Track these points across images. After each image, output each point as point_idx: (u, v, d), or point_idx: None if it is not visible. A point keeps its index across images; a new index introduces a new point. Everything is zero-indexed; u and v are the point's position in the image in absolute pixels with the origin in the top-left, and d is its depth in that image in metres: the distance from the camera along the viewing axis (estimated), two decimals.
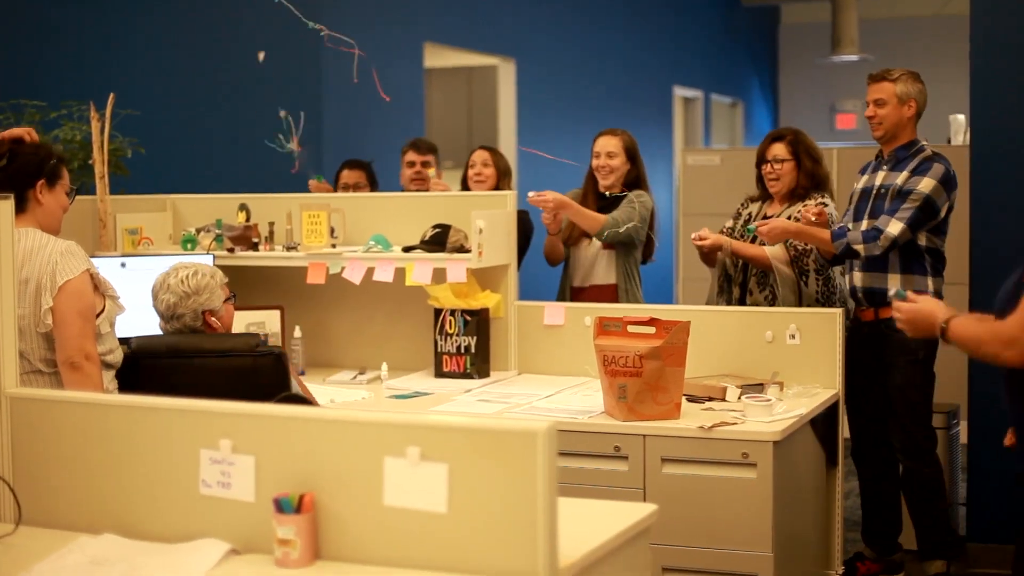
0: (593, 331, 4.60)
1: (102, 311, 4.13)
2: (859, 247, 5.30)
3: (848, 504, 6.25)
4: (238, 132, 8.08)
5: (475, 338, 5.36)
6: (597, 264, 6.02)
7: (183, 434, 2.88)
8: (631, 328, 4.53)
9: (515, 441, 2.49)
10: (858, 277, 5.42)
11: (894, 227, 5.27)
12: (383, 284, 5.39)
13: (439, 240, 5.33)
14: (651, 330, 4.49)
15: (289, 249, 5.57)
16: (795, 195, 5.66)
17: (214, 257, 5.54)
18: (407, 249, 5.41)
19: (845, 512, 5.42)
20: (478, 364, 5.36)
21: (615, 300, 5.90)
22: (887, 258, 5.32)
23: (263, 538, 2.74)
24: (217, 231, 5.69)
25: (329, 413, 2.93)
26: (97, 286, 4.14)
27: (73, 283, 4.04)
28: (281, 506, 2.68)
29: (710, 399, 4.74)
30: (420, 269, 5.31)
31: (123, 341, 4.28)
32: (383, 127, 9.06)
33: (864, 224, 5.42)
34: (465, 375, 5.36)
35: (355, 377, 5.48)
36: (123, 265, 5.26)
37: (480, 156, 6.60)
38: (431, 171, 6.90)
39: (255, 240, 5.65)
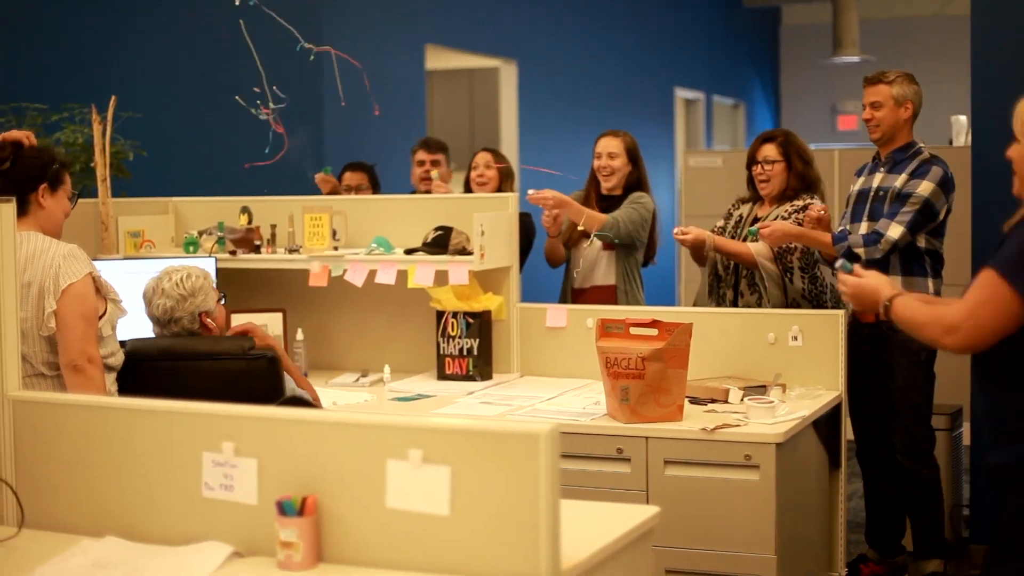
0: (595, 333, 4.60)
1: (103, 314, 4.14)
2: (860, 250, 5.30)
3: (851, 506, 6.26)
4: (239, 135, 8.09)
5: (477, 340, 5.36)
6: (597, 265, 6.02)
7: (185, 437, 2.88)
8: (633, 330, 4.53)
9: (517, 443, 2.49)
10: None
11: (894, 231, 5.28)
12: (385, 286, 5.39)
13: (441, 242, 5.33)
14: (653, 332, 4.49)
15: (291, 251, 5.57)
16: (785, 197, 5.65)
17: (216, 260, 5.54)
18: (409, 251, 5.40)
19: (848, 514, 5.42)
20: (480, 366, 5.36)
21: (615, 301, 5.89)
22: (887, 260, 5.32)
23: (266, 541, 2.74)
24: (219, 234, 5.69)
25: (331, 416, 2.93)
26: (99, 289, 4.14)
27: (76, 287, 4.04)
28: (284, 509, 2.68)
29: (713, 401, 4.74)
30: (422, 271, 5.31)
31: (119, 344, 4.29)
32: (385, 130, 9.06)
33: (863, 227, 5.42)
34: (467, 377, 5.36)
35: (357, 380, 5.48)
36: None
37: (483, 158, 6.60)
38: (434, 173, 6.90)
39: (257, 243, 5.65)
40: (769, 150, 5.66)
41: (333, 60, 5.85)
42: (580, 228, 5.86)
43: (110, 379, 4.15)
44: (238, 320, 5.51)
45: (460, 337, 5.37)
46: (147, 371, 4.24)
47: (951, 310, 3.30)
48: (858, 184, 5.62)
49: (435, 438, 2.58)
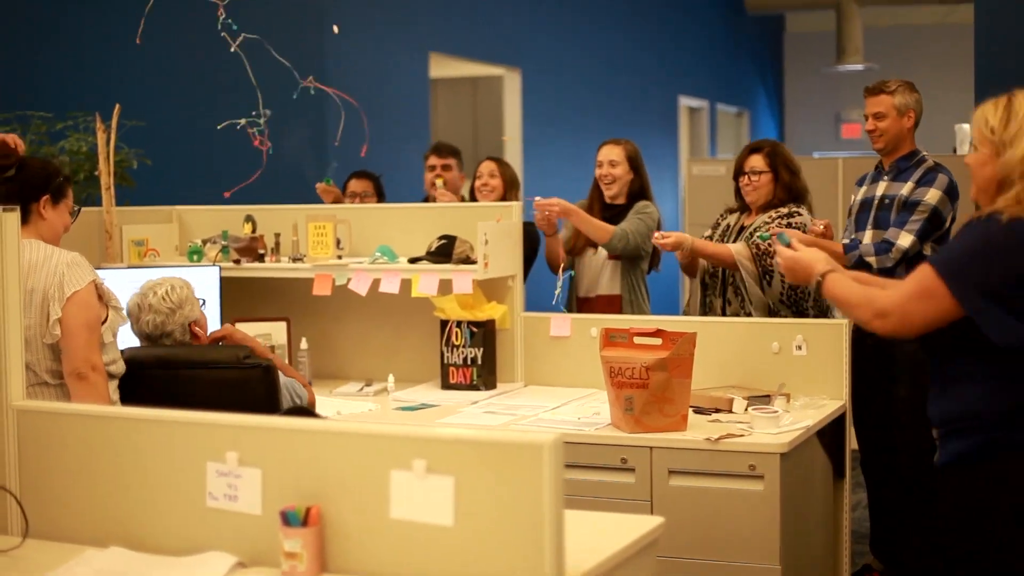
0: (599, 343, 4.60)
1: (105, 320, 4.14)
2: (871, 259, 5.31)
3: (856, 516, 6.25)
4: (244, 144, 8.09)
5: (481, 350, 5.35)
6: (602, 274, 6.01)
7: (189, 446, 2.88)
8: (637, 340, 4.52)
9: (521, 454, 2.48)
10: None
11: (904, 239, 5.29)
12: (389, 295, 5.39)
13: (445, 251, 5.33)
14: (657, 341, 4.49)
15: (295, 260, 5.57)
16: (771, 207, 5.62)
17: (220, 268, 5.55)
18: (413, 260, 5.40)
19: (853, 524, 5.41)
20: (484, 376, 5.36)
21: (620, 311, 5.89)
22: (893, 269, 5.32)
23: (270, 551, 2.73)
24: (223, 242, 5.69)
25: (335, 425, 2.93)
26: (101, 296, 4.15)
27: (80, 294, 4.05)
28: (288, 519, 2.68)
29: (717, 411, 4.74)
30: (426, 280, 5.31)
31: None
32: (389, 139, 9.07)
33: (868, 235, 5.43)
34: (471, 387, 5.35)
35: (361, 389, 5.48)
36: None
37: (487, 167, 6.60)
38: (439, 181, 6.91)
39: (261, 251, 5.65)
40: (756, 161, 5.65)
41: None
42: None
43: (112, 387, 4.16)
44: (241, 329, 5.53)
45: (464, 346, 5.37)
46: (143, 380, 4.25)
47: (884, 295, 3.35)
48: (860, 193, 5.62)
49: (439, 448, 2.57)
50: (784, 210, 5.56)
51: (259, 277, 5.68)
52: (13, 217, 3.12)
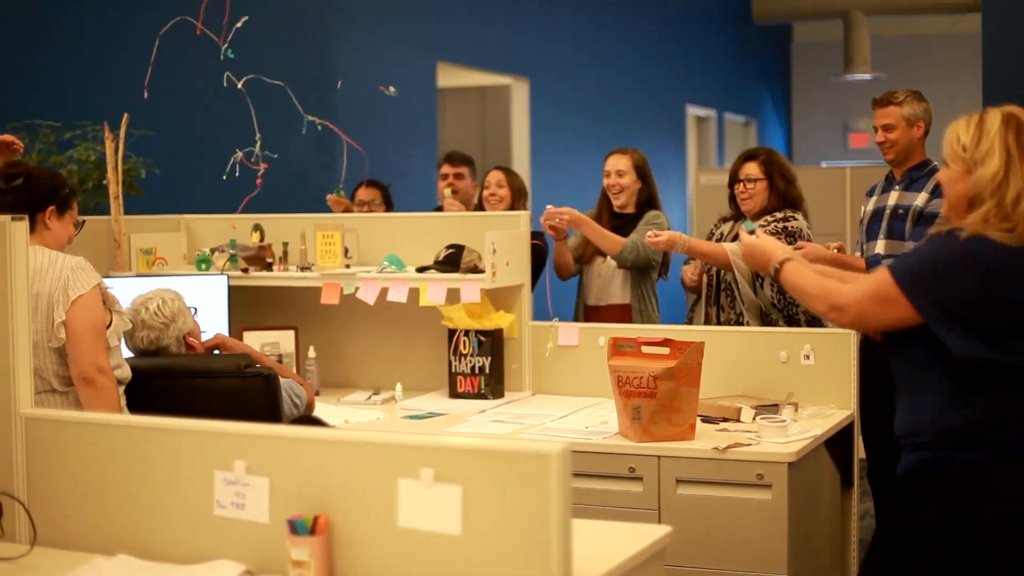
0: (607, 351, 4.60)
1: (110, 325, 4.15)
2: None
3: (864, 525, 6.24)
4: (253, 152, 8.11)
5: (489, 358, 5.35)
6: (612, 283, 6.02)
7: (197, 455, 2.88)
8: (645, 349, 4.52)
9: (529, 462, 2.48)
10: None
11: None
12: (397, 304, 5.39)
13: (453, 260, 5.33)
14: (665, 351, 4.49)
15: (303, 269, 5.57)
16: (766, 215, 5.61)
17: (228, 277, 5.55)
18: (421, 269, 5.41)
19: (861, 533, 5.40)
20: (492, 384, 5.36)
21: (630, 320, 5.89)
22: None
23: (277, 559, 2.73)
24: (231, 251, 5.70)
25: (343, 434, 2.93)
26: (105, 300, 4.15)
27: (85, 298, 4.05)
28: (295, 527, 2.68)
29: (725, 420, 4.73)
30: (434, 289, 5.31)
31: None
32: (397, 148, 9.09)
33: (881, 245, 5.42)
34: (479, 395, 5.35)
35: (369, 397, 5.48)
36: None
37: (495, 176, 6.61)
38: (447, 190, 6.92)
39: (269, 260, 5.66)
40: (751, 168, 5.64)
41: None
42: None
43: (119, 392, 4.16)
44: (254, 340, 5.54)
45: (472, 355, 5.37)
46: (144, 390, 4.24)
47: (841, 290, 3.39)
48: (871, 204, 5.62)
49: (447, 457, 2.57)
50: (780, 215, 5.54)
51: (267, 286, 5.69)
52: (22, 226, 3.13)
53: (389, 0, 9.37)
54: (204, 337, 4.65)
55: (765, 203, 5.61)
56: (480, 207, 6.68)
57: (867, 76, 15.37)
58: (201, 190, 8.26)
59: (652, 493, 4.43)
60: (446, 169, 7.14)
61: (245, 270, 5.63)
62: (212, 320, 5.28)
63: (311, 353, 5.64)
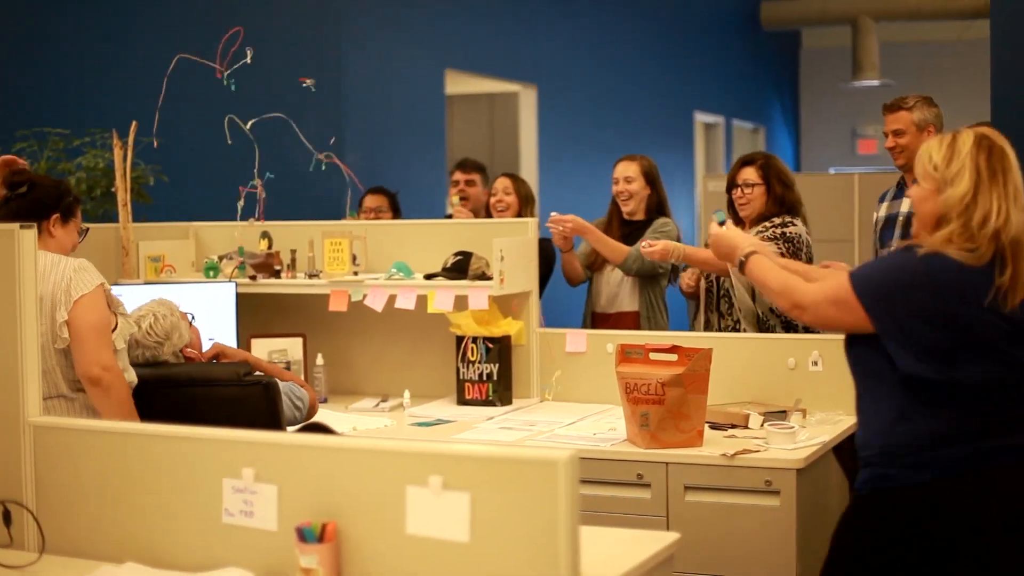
0: (615, 358, 4.59)
1: (115, 328, 4.14)
2: None
3: None
4: (261, 160, 8.13)
5: (497, 365, 5.35)
6: (621, 291, 6.02)
7: (206, 463, 2.88)
8: (653, 355, 4.52)
9: (537, 470, 2.48)
10: None
11: None
12: (405, 311, 5.39)
13: (461, 267, 5.33)
14: (673, 357, 4.48)
15: (311, 276, 5.58)
16: (764, 220, 5.59)
17: (236, 284, 5.56)
18: (429, 276, 5.41)
19: None
20: (500, 391, 5.36)
21: (638, 328, 5.89)
22: None
23: (286, 567, 2.73)
24: (239, 259, 5.70)
25: (351, 442, 2.93)
26: (109, 303, 4.15)
27: (87, 297, 4.04)
28: (304, 535, 2.68)
29: (733, 426, 4.73)
30: (442, 296, 5.31)
31: None
32: (405, 155, 9.09)
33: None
34: (487, 402, 5.35)
35: (377, 404, 5.48)
36: None
37: (502, 183, 6.62)
38: (455, 198, 6.92)
39: (277, 268, 5.66)
40: (749, 173, 5.62)
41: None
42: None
43: None
44: (262, 348, 5.54)
45: (480, 362, 5.37)
46: (144, 398, 4.23)
47: (803, 289, 3.44)
48: (883, 209, 5.61)
49: (455, 464, 2.58)
50: (778, 220, 5.52)
51: (275, 293, 5.69)
52: (30, 234, 3.14)
53: (397, 8, 9.37)
54: (205, 343, 4.64)
55: (763, 208, 5.58)
56: (487, 214, 6.68)
57: (876, 82, 15.37)
58: (210, 198, 8.28)
59: (660, 500, 4.43)
60: (458, 176, 7.14)
61: (253, 277, 5.64)
62: (220, 328, 5.29)
63: (319, 360, 5.65)
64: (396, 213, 7.20)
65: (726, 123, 15.61)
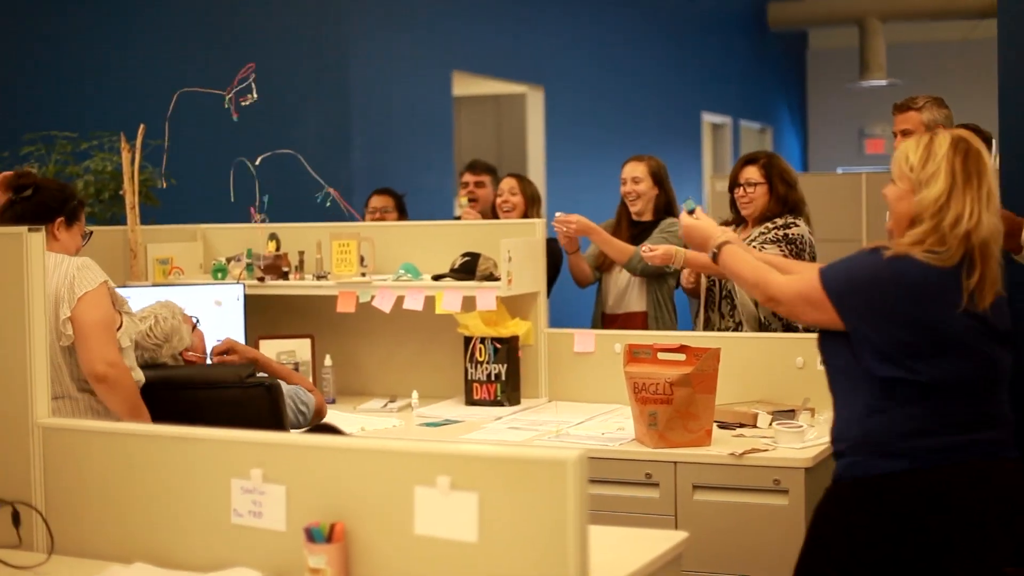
0: (623, 358, 4.59)
1: (120, 327, 4.14)
2: None
3: None
4: (267, 162, 8.13)
5: (505, 366, 5.35)
6: (629, 291, 6.02)
7: (214, 464, 2.89)
8: (661, 355, 4.52)
9: (546, 470, 2.48)
10: None
11: None
12: (413, 312, 5.39)
13: (468, 268, 5.34)
14: (681, 357, 4.48)
15: (319, 278, 5.58)
16: (766, 219, 5.58)
17: (244, 286, 5.56)
18: (437, 277, 5.41)
19: None
20: (508, 392, 5.36)
21: (646, 328, 5.88)
22: None
23: (294, 567, 2.74)
24: (248, 260, 5.71)
25: (360, 442, 2.94)
26: (113, 301, 4.14)
27: (91, 294, 4.03)
28: (312, 535, 2.68)
29: (741, 425, 4.73)
30: (450, 297, 5.32)
31: None
32: (412, 157, 9.09)
33: None
34: (495, 403, 5.35)
35: (385, 405, 5.49)
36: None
37: (508, 184, 6.62)
38: (463, 199, 6.92)
39: (285, 269, 5.67)
40: (751, 172, 5.61)
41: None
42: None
43: None
44: (271, 348, 5.54)
45: (488, 363, 5.37)
46: (145, 401, 4.23)
47: (777, 282, 3.48)
48: None
49: (463, 465, 2.58)
50: (780, 221, 5.50)
51: (283, 295, 5.70)
52: (38, 237, 3.14)
53: (404, 9, 9.38)
54: (214, 342, 4.62)
55: (765, 207, 5.57)
56: (494, 215, 6.68)
57: (883, 82, 15.35)
58: (217, 200, 8.29)
59: (669, 499, 4.43)
60: (467, 177, 7.13)
61: (261, 279, 5.64)
62: (228, 329, 5.29)
63: (327, 361, 5.65)
64: (402, 214, 7.19)
65: (733, 123, 15.61)
